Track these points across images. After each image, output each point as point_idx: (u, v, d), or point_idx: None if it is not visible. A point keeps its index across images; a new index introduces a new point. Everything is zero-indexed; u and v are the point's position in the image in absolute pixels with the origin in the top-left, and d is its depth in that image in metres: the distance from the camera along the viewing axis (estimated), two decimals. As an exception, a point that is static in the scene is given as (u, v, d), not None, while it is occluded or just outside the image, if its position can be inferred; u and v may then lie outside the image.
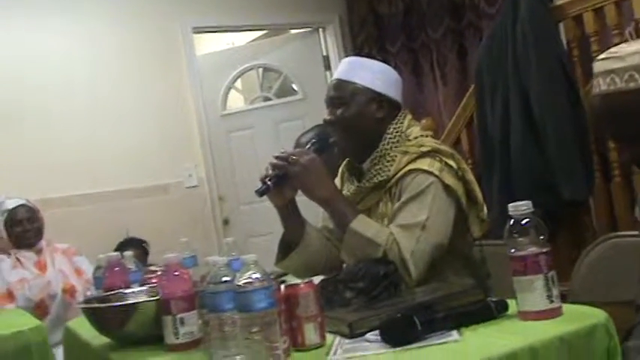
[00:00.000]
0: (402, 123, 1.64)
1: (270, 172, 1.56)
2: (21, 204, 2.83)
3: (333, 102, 1.66)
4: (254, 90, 4.74)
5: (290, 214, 1.66)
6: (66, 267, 2.82)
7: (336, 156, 1.74)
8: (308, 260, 1.67)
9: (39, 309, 2.61)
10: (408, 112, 1.69)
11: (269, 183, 1.55)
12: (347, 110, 1.62)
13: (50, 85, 3.59)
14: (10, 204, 2.85)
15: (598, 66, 1.15)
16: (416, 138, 1.62)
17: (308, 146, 1.65)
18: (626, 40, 1.30)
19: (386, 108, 1.63)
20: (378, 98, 1.63)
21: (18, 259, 2.76)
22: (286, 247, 1.68)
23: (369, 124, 1.62)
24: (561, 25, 2.83)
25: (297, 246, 1.66)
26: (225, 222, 4.07)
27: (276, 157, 1.57)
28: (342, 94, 1.64)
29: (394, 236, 1.48)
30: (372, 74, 1.64)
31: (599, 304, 1.16)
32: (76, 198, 3.59)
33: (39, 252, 2.83)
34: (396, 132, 1.62)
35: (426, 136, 1.64)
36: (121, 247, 3.21)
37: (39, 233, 2.85)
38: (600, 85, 1.14)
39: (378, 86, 1.63)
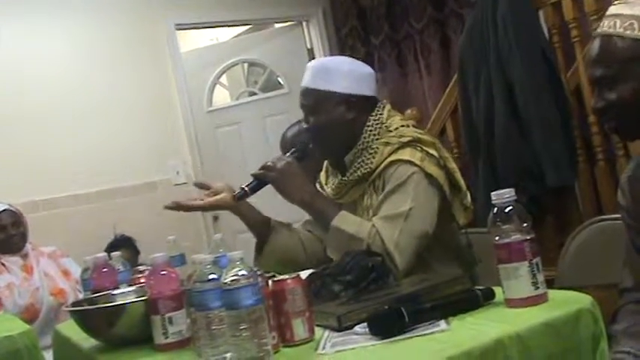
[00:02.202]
0: (381, 114, 1.64)
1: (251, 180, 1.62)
2: (4, 209, 2.80)
3: (304, 109, 1.68)
4: (239, 85, 4.73)
5: (253, 222, 1.71)
6: (52, 270, 2.80)
7: (317, 161, 1.76)
8: (283, 257, 1.70)
9: (27, 313, 2.59)
10: (386, 103, 1.69)
11: (246, 188, 1.62)
12: (316, 118, 1.64)
13: (33, 87, 3.56)
14: None
15: (610, 9, 1.18)
16: (396, 129, 1.62)
17: (288, 154, 1.67)
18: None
19: (356, 107, 1.62)
20: (345, 100, 1.62)
21: (3, 264, 2.73)
22: (260, 249, 1.72)
23: (341, 127, 1.62)
24: (541, 13, 2.84)
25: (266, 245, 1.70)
26: (215, 218, 4.06)
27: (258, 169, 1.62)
28: (309, 102, 1.65)
29: (376, 229, 1.49)
30: (337, 76, 1.62)
31: (586, 288, 1.18)
32: (62, 199, 3.57)
33: (24, 256, 2.79)
34: (376, 124, 1.62)
35: (407, 126, 1.64)
36: (112, 247, 3.19)
37: (23, 238, 2.81)
38: (603, 26, 1.16)
39: (344, 87, 1.62)
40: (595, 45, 1.17)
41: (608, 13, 1.17)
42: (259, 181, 1.62)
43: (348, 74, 1.64)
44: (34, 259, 2.80)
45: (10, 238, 2.76)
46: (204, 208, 1.73)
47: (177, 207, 1.66)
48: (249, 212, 1.70)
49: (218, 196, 1.65)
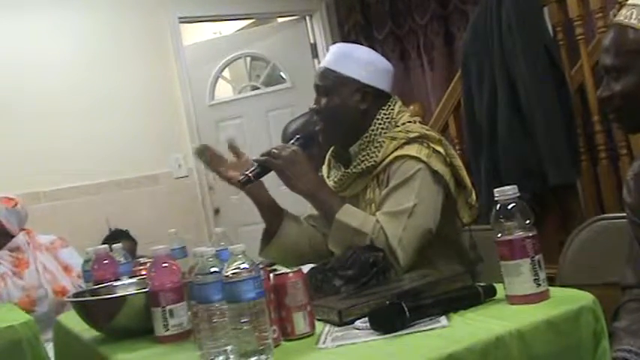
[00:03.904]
0: (392, 109, 1.64)
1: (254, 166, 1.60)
2: None
3: (318, 90, 1.66)
4: (242, 79, 4.72)
5: (266, 207, 1.69)
6: (52, 265, 2.69)
7: (321, 150, 1.75)
8: (288, 249, 1.68)
9: (22, 303, 2.53)
10: (398, 99, 1.69)
11: (250, 175, 1.59)
12: (330, 100, 1.63)
13: (36, 80, 3.56)
14: None
15: None
16: (404, 124, 1.62)
17: (292, 141, 1.66)
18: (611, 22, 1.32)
19: (370, 99, 1.62)
20: (362, 89, 1.62)
21: None
22: (268, 237, 1.70)
23: (352, 115, 1.62)
24: (546, 10, 2.83)
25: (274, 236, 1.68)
26: (216, 211, 4.06)
27: (261, 155, 1.59)
28: (326, 83, 1.64)
29: (380, 224, 1.48)
30: (359, 64, 1.63)
31: (587, 287, 1.17)
32: (64, 191, 3.57)
33: (15, 250, 2.63)
34: (386, 118, 1.62)
35: (415, 122, 1.64)
36: (108, 241, 3.18)
37: (4, 233, 2.61)
38: (620, 15, 1.16)
39: (364, 77, 1.62)
40: (609, 34, 1.17)
41: (629, 1, 1.17)
42: (263, 168, 1.60)
43: (369, 65, 1.64)
44: (31, 254, 2.67)
45: None
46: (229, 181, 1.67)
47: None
48: (259, 195, 1.68)
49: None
